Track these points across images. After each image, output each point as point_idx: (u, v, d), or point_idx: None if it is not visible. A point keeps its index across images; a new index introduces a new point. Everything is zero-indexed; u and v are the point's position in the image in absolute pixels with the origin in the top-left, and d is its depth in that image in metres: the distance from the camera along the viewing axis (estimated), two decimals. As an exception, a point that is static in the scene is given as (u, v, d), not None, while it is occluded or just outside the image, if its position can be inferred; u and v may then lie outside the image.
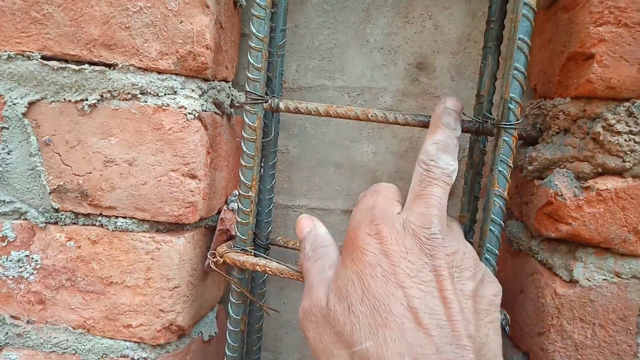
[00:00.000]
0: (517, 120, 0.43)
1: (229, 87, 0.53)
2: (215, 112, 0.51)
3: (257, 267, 0.47)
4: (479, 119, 0.50)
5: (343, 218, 0.65)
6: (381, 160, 0.63)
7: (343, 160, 0.64)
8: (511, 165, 0.43)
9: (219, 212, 0.55)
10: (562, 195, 0.42)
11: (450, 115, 0.42)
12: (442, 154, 0.39)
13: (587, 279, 0.42)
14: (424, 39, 0.60)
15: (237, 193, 0.55)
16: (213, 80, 0.50)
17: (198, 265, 0.52)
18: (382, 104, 0.62)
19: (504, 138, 0.43)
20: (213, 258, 0.47)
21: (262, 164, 0.58)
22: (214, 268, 0.47)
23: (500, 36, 0.51)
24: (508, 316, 0.43)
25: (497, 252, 0.44)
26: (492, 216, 0.44)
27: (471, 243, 0.55)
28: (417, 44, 0.61)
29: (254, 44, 0.45)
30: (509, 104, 0.42)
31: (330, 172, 0.64)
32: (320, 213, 0.65)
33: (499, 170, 0.43)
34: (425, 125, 0.50)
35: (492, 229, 0.44)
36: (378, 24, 0.61)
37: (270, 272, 0.47)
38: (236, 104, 0.54)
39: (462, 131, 0.49)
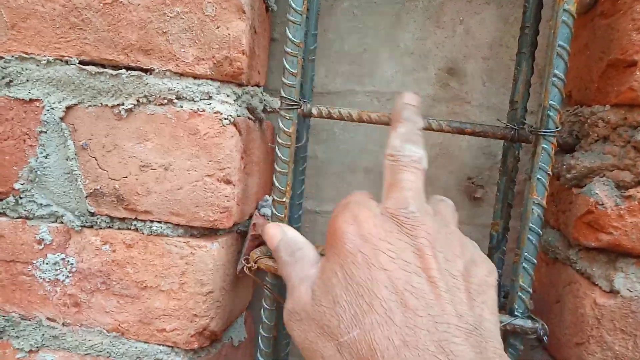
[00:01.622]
0: (557, 127, 0.42)
1: (262, 92, 0.53)
2: (248, 117, 0.51)
3: (291, 272, 0.47)
4: (515, 125, 0.49)
5: (371, 223, 0.65)
6: (410, 166, 0.63)
7: (372, 165, 0.64)
8: (550, 173, 0.42)
9: (250, 217, 0.55)
10: (603, 204, 0.42)
11: (410, 110, 0.42)
12: (406, 144, 0.39)
13: (628, 289, 0.41)
14: (455, 43, 0.60)
15: (269, 198, 0.56)
16: (247, 86, 0.50)
17: (230, 270, 0.52)
18: (412, 109, 0.62)
19: (543, 146, 0.42)
20: (247, 264, 0.47)
21: (293, 170, 0.58)
22: (248, 274, 0.47)
23: (535, 42, 0.51)
24: (546, 326, 0.42)
25: (535, 261, 0.44)
26: (530, 224, 0.43)
27: (504, 252, 0.54)
28: (448, 48, 0.60)
29: (289, 50, 0.45)
30: (548, 112, 0.42)
31: (359, 178, 0.64)
32: (348, 218, 0.65)
33: (538, 178, 0.43)
34: (460, 131, 0.50)
35: (530, 237, 0.43)
36: (408, 29, 0.60)
37: (304, 278, 0.46)
38: (268, 109, 0.54)
39: (497, 138, 0.48)
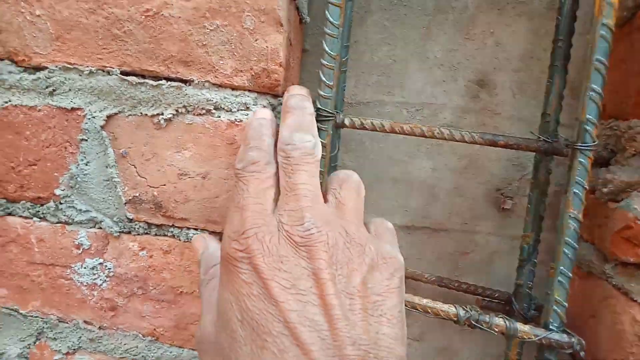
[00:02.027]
0: (594, 141, 0.42)
1: (296, 103, 0.54)
2: (282, 128, 0.52)
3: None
4: (548, 138, 0.49)
5: (400, 234, 0.65)
6: (440, 177, 0.63)
7: (401, 175, 0.64)
8: (586, 187, 0.42)
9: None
10: (641, 219, 0.42)
11: (296, 98, 0.40)
12: (296, 133, 0.37)
13: (666, 305, 0.41)
14: (485, 55, 0.60)
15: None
16: (282, 96, 0.51)
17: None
18: (442, 120, 0.62)
19: (580, 160, 0.43)
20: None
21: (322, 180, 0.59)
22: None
23: (568, 55, 0.51)
24: (582, 341, 0.42)
25: (571, 274, 0.44)
26: (566, 238, 0.43)
27: (534, 264, 0.54)
28: (478, 60, 0.61)
29: (326, 62, 0.46)
30: (585, 125, 0.42)
31: (388, 188, 0.65)
32: (376, 227, 0.66)
33: (574, 192, 0.43)
34: (492, 143, 0.50)
35: (566, 251, 0.43)
36: (438, 41, 0.61)
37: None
38: (302, 120, 0.55)
39: (531, 150, 0.48)
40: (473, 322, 0.46)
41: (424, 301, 0.47)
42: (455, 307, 0.46)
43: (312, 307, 0.30)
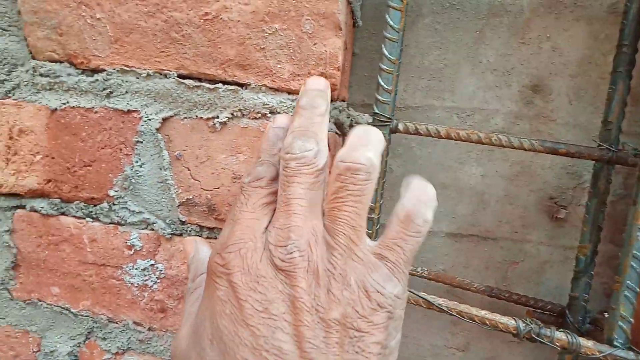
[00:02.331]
0: (666, 151, 0.40)
1: (348, 107, 0.54)
2: (335, 132, 0.51)
3: (379, 289, 0.46)
4: (611, 146, 0.48)
5: (447, 241, 0.64)
6: (490, 183, 0.62)
7: (450, 181, 0.63)
8: (658, 198, 0.41)
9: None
10: None
11: (308, 96, 0.37)
12: (298, 140, 0.33)
13: None
14: (541, 60, 0.59)
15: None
16: (335, 101, 0.50)
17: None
18: (494, 126, 0.61)
19: (651, 170, 0.41)
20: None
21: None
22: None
23: (633, 60, 0.49)
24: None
25: (638, 289, 0.42)
26: (634, 251, 0.42)
27: (591, 275, 0.52)
28: (533, 65, 0.59)
29: (385, 67, 0.45)
30: (658, 135, 0.40)
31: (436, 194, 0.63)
32: (423, 234, 0.64)
33: (644, 204, 0.41)
34: (553, 151, 0.48)
35: (634, 265, 0.42)
36: (492, 45, 0.59)
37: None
38: (354, 124, 0.55)
39: (593, 159, 0.47)
40: (533, 336, 0.44)
41: (482, 313, 0.46)
42: (515, 320, 0.45)
43: (282, 334, 0.28)
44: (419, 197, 0.34)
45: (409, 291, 0.46)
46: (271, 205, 0.34)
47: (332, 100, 0.49)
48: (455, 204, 0.63)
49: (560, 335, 0.44)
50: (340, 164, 0.33)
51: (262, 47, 0.46)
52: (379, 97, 0.46)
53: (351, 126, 0.52)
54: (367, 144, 0.34)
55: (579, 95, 0.58)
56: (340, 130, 0.52)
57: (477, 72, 0.60)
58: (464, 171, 0.62)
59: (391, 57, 0.45)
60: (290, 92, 0.47)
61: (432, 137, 0.51)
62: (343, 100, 0.54)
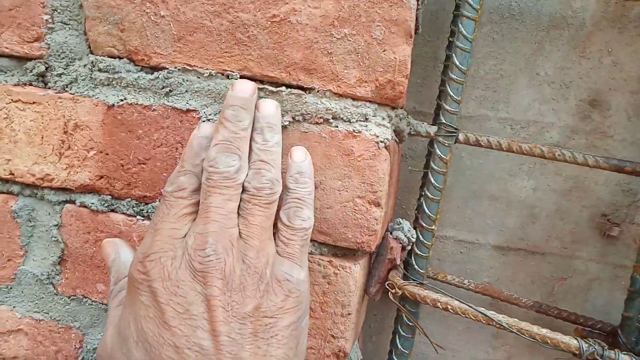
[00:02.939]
0: None
1: (407, 115, 0.53)
2: (395, 140, 0.51)
3: (438, 303, 0.46)
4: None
5: (493, 254, 0.63)
6: (541, 197, 0.61)
7: (499, 193, 0.62)
8: None
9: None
10: None
11: (234, 105, 0.39)
12: (222, 155, 0.37)
13: None
14: (601, 75, 0.58)
15: (401, 222, 0.55)
16: (397, 109, 0.50)
17: (361, 292, 0.52)
18: (548, 140, 0.60)
19: None
20: (391, 289, 0.47)
21: (424, 194, 0.58)
22: (393, 300, 0.46)
23: (703, 79, 0.48)
24: None
25: None
26: None
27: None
28: (593, 80, 0.58)
29: (455, 76, 0.45)
30: None
31: (484, 205, 0.63)
32: (469, 247, 0.64)
33: None
34: (618, 169, 0.48)
35: None
36: (551, 57, 0.58)
37: (451, 311, 0.45)
38: (412, 133, 0.54)
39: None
40: (597, 358, 0.43)
41: (543, 331, 0.45)
42: (578, 340, 0.44)
43: (202, 332, 0.31)
44: (297, 198, 0.41)
45: (469, 305, 0.45)
46: (192, 215, 0.37)
47: (394, 108, 0.48)
48: (504, 216, 0.62)
49: (626, 359, 0.43)
50: (249, 183, 0.38)
51: (329, 51, 0.45)
52: (447, 107, 0.45)
53: (410, 134, 0.52)
54: (268, 169, 0.40)
55: (639, 112, 0.57)
56: (399, 138, 0.52)
57: (533, 84, 0.59)
58: (514, 183, 0.61)
59: (462, 66, 0.44)
60: (355, 99, 0.46)
61: (493, 149, 0.50)
62: (402, 108, 0.53)
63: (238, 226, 0.37)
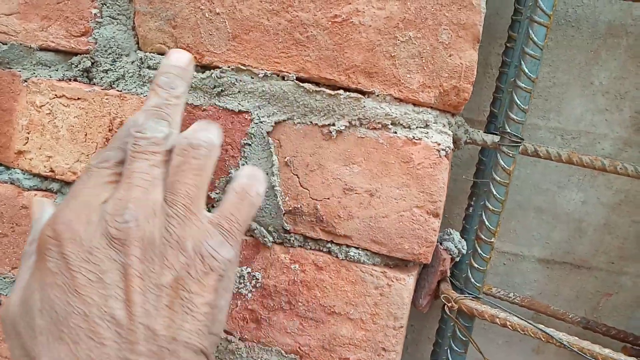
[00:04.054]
0: None
1: (465, 123, 0.51)
2: (451, 149, 0.49)
3: (497, 319, 0.44)
4: None
5: (537, 267, 0.62)
6: (590, 211, 0.59)
7: (546, 205, 0.60)
8: None
9: (430, 249, 0.53)
10: None
11: (169, 73, 0.37)
12: (150, 121, 0.35)
13: None
14: (658, 86, 0.56)
15: (452, 232, 0.53)
16: (456, 115, 0.48)
17: (410, 303, 0.50)
18: (600, 151, 0.58)
19: None
20: (447, 303, 0.45)
21: (473, 204, 0.56)
22: (448, 314, 0.45)
23: None
24: None
25: None
26: None
27: None
28: (649, 91, 0.56)
29: (523, 84, 0.43)
30: None
31: (530, 217, 0.61)
32: (512, 259, 0.62)
33: None
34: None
35: None
36: (607, 67, 0.57)
37: (509, 327, 0.44)
38: (468, 141, 0.52)
39: None
40: (665, 381, 0.41)
41: (605, 351, 0.43)
42: (643, 362, 0.42)
43: (115, 301, 0.30)
44: (253, 175, 0.38)
45: (529, 322, 0.44)
46: (113, 184, 0.34)
47: (454, 115, 0.47)
48: (550, 229, 0.61)
49: (695, 384, 0.41)
50: (183, 140, 0.35)
51: (392, 54, 0.44)
52: (513, 116, 0.43)
53: (467, 143, 0.50)
54: (208, 128, 0.37)
55: (697, 125, 0.56)
56: (456, 145, 0.50)
57: (587, 94, 0.58)
58: (562, 195, 0.60)
59: (532, 75, 0.43)
60: (416, 104, 0.45)
61: (552, 160, 0.48)
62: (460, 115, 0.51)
63: (164, 193, 0.34)
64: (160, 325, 0.30)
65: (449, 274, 0.51)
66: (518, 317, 0.44)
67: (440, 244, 0.54)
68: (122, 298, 0.30)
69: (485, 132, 0.50)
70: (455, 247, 0.51)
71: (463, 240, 0.52)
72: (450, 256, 0.52)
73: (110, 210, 0.32)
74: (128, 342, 0.29)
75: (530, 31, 0.42)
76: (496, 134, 0.48)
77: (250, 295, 0.50)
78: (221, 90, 0.48)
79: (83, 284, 0.30)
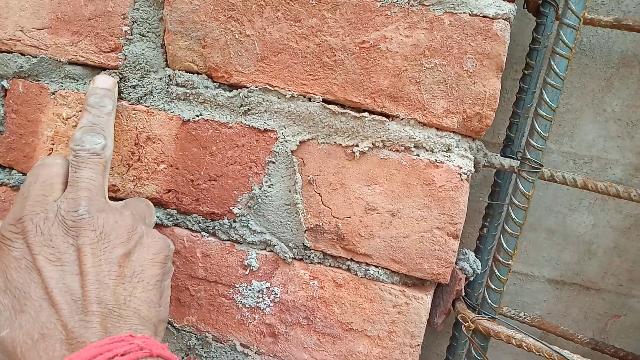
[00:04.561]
0: None
1: (484, 147, 0.53)
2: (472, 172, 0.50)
3: (513, 340, 0.45)
4: None
5: (547, 287, 0.63)
6: (600, 234, 0.61)
7: (557, 227, 0.62)
8: None
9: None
10: None
11: (97, 94, 0.45)
12: (87, 135, 0.41)
13: None
14: (668, 115, 0.58)
15: (468, 253, 0.54)
16: (476, 140, 0.49)
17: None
18: (611, 177, 0.60)
19: None
20: (464, 322, 0.46)
21: (487, 225, 0.57)
22: (465, 333, 0.46)
23: None
24: None
25: None
26: None
27: None
28: (660, 119, 0.58)
29: (544, 113, 0.44)
30: None
31: (541, 238, 0.62)
32: (522, 278, 0.63)
33: None
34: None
35: None
36: (619, 95, 0.58)
37: (525, 348, 0.45)
38: (486, 164, 0.53)
39: None
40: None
41: (619, 374, 0.44)
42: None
43: (71, 275, 0.35)
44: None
45: (543, 343, 0.45)
46: (58, 184, 0.40)
47: (474, 139, 0.48)
48: (560, 250, 0.62)
49: None
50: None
51: (417, 80, 0.45)
52: (534, 143, 0.45)
53: (485, 167, 0.51)
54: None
55: None
56: (475, 169, 0.51)
57: (599, 120, 0.59)
58: (573, 218, 0.61)
59: (552, 104, 0.44)
60: (439, 129, 0.46)
61: (567, 185, 0.49)
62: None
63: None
64: (110, 292, 0.35)
65: (463, 293, 0.52)
66: (534, 338, 0.45)
67: (456, 263, 0.55)
68: (77, 272, 0.35)
69: (502, 156, 0.51)
70: (470, 267, 0.53)
71: (478, 260, 0.53)
72: (465, 276, 0.53)
73: (65, 208, 0.38)
74: (82, 307, 0.34)
75: (552, 62, 0.44)
76: (513, 158, 0.50)
77: (268, 309, 0.51)
78: (248, 109, 0.49)
79: (44, 264, 0.35)
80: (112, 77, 0.49)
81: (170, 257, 0.42)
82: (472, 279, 0.54)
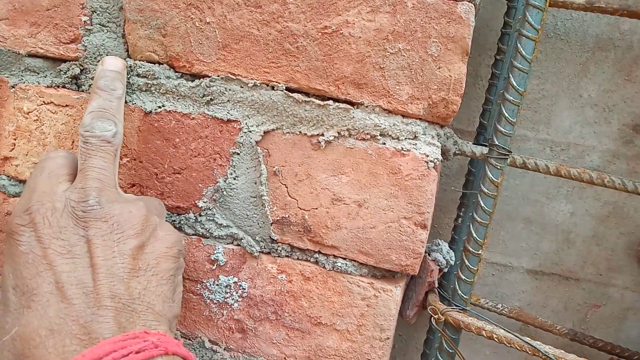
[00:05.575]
0: None
1: (454, 134, 0.51)
2: (440, 160, 0.49)
3: (483, 332, 0.44)
4: None
5: (525, 277, 0.62)
6: (578, 222, 0.59)
7: (535, 216, 0.61)
8: None
9: (419, 260, 0.53)
10: None
11: (107, 77, 0.42)
12: (97, 121, 0.39)
13: None
14: (646, 100, 0.57)
15: (441, 243, 0.53)
16: (444, 127, 0.48)
17: (397, 315, 0.50)
18: (588, 163, 0.58)
19: None
20: (434, 315, 0.45)
21: (462, 215, 0.56)
22: (435, 326, 0.45)
23: None
24: None
25: None
26: None
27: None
28: (637, 104, 0.57)
29: (511, 97, 0.43)
30: None
31: (519, 228, 0.61)
32: (501, 269, 0.62)
33: None
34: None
35: None
36: (595, 80, 0.57)
37: (495, 340, 0.44)
38: (457, 152, 0.52)
39: None
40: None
41: (592, 365, 0.43)
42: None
43: (83, 268, 0.33)
44: None
45: (515, 335, 0.44)
46: (67, 175, 0.39)
47: (442, 126, 0.47)
48: (538, 240, 0.61)
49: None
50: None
51: (381, 66, 0.44)
52: (501, 129, 0.44)
53: (455, 154, 0.50)
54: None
55: (684, 139, 0.56)
56: (445, 157, 0.50)
57: (575, 106, 0.58)
58: (551, 207, 0.60)
59: (519, 88, 0.43)
60: (405, 116, 0.45)
61: (540, 172, 0.48)
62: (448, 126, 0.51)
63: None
64: (124, 286, 0.34)
65: (437, 285, 0.51)
66: (505, 329, 0.44)
67: (429, 255, 0.54)
68: (88, 264, 0.33)
69: (474, 144, 0.50)
70: (444, 258, 0.52)
71: (451, 251, 0.52)
72: (438, 267, 0.52)
73: (75, 198, 0.36)
74: (94, 300, 0.32)
75: (519, 45, 0.42)
76: (485, 146, 0.48)
77: (236, 305, 0.50)
78: (210, 99, 0.48)
79: (54, 258, 0.33)
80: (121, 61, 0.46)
81: (183, 252, 0.41)
82: (446, 270, 0.53)
